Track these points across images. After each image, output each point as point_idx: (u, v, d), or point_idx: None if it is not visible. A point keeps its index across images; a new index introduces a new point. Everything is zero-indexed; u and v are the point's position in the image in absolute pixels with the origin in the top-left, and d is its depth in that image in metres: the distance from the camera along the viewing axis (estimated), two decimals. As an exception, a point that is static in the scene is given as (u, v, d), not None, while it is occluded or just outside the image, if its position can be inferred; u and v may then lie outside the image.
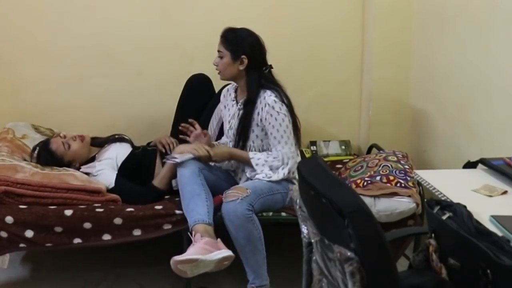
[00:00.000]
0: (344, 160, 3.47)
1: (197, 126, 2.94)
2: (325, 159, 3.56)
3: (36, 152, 3.07)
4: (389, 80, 3.57)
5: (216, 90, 3.28)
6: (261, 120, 2.75)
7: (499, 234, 1.54)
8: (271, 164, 2.74)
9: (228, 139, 2.96)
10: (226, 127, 2.99)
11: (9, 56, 3.52)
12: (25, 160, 3.04)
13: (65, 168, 2.98)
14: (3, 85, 3.54)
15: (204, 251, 2.42)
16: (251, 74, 2.78)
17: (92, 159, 3.10)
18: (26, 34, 3.50)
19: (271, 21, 3.60)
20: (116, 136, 3.25)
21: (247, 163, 2.80)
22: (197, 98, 3.22)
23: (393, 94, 3.60)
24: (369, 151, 3.53)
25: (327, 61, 3.71)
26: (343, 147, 3.71)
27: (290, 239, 2.22)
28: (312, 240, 1.59)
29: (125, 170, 3.01)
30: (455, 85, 3.01)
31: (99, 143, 3.24)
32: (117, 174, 2.96)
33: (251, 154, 2.78)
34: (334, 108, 3.79)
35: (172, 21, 3.55)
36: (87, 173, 2.97)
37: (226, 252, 2.46)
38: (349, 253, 1.29)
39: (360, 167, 2.98)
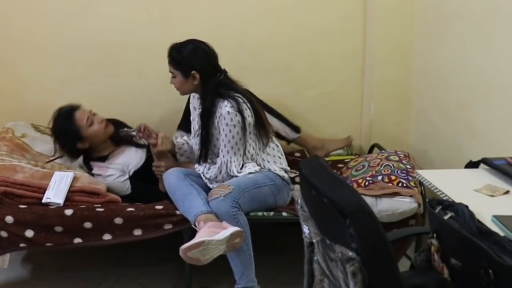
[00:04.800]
0: (346, 160, 3.46)
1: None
2: (327, 159, 3.54)
3: (56, 113, 3.02)
4: (390, 80, 3.56)
5: None
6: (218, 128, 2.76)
7: (501, 234, 1.54)
8: (210, 175, 2.79)
9: (195, 146, 2.96)
10: (193, 132, 2.99)
11: (9, 56, 3.51)
12: (24, 157, 3.03)
13: (66, 167, 2.97)
14: (3, 84, 3.54)
15: (209, 233, 2.40)
16: (206, 85, 2.76)
17: (104, 158, 3.07)
18: (26, 33, 3.49)
19: (272, 21, 3.59)
20: (134, 138, 3.19)
21: None
22: None
23: (394, 94, 3.59)
24: (370, 150, 3.52)
25: (329, 61, 3.70)
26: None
27: (291, 239, 2.22)
28: (314, 240, 1.59)
29: (138, 175, 3.02)
30: (457, 84, 3.01)
31: (116, 139, 3.16)
32: (131, 180, 2.98)
33: (195, 166, 2.86)
34: (335, 108, 3.78)
35: (173, 19, 3.55)
36: (98, 174, 2.98)
37: (233, 229, 2.44)
38: (350, 253, 1.29)
39: (361, 167, 2.98)
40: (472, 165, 2.23)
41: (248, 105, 2.76)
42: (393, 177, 2.77)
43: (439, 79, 3.23)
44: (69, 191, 2.74)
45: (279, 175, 2.82)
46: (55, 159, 3.11)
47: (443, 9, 3.14)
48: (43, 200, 2.69)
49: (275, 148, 2.92)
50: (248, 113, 2.74)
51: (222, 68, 2.81)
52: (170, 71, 2.80)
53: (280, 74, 3.66)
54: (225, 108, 2.70)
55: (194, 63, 2.73)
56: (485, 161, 2.18)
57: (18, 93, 3.56)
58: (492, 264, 1.36)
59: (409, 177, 2.78)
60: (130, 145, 3.14)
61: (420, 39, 3.44)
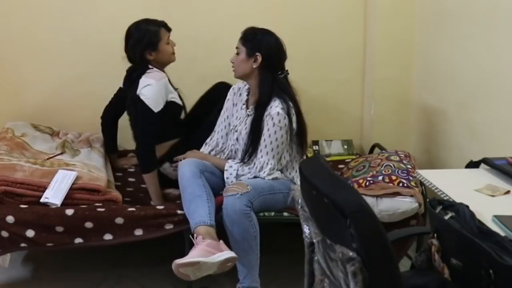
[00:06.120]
0: (347, 160, 3.46)
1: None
2: (327, 159, 3.55)
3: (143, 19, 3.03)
4: (391, 79, 3.56)
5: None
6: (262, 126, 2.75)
7: (502, 234, 1.54)
8: (242, 173, 2.77)
9: (230, 142, 2.94)
10: (229, 127, 2.97)
11: (10, 56, 3.51)
12: (24, 156, 3.02)
13: (65, 163, 2.96)
14: (3, 84, 3.54)
15: (206, 253, 2.41)
16: (264, 75, 2.77)
17: None
18: (26, 33, 3.49)
19: (272, 20, 3.55)
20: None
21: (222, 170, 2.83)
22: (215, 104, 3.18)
23: (395, 93, 3.59)
24: (371, 150, 3.52)
25: (329, 60, 3.70)
26: (346, 146, 3.70)
27: (292, 239, 2.22)
28: (314, 240, 1.59)
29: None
30: (458, 84, 3.01)
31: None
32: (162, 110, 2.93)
33: (227, 166, 2.80)
34: (336, 107, 3.78)
35: (173, 20, 3.52)
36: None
37: (228, 254, 2.45)
38: (351, 253, 1.28)
39: (362, 167, 2.98)
40: (472, 165, 2.24)
41: (295, 111, 2.75)
42: (393, 177, 2.77)
43: (440, 78, 3.23)
44: (69, 189, 2.73)
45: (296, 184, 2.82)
46: (55, 155, 3.11)
47: (443, 8, 3.14)
48: (41, 200, 2.68)
49: None
50: (294, 119, 2.74)
51: (286, 69, 2.82)
52: (236, 47, 2.81)
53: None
54: (275, 108, 2.70)
55: (263, 46, 2.76)
56: (485, 161, 2.19)
57: (18, 93, 3.56)
58: (492, 264, 1.36)
59: (409, 177, 2.78)
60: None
61: (420, 38, 3.44)
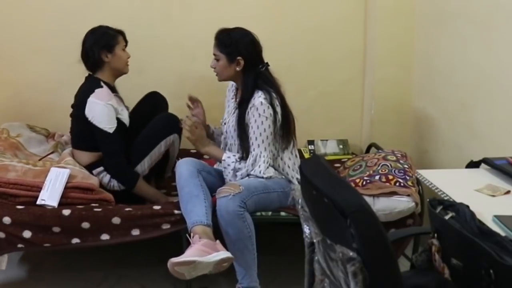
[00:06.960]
0: (342, 160, 3.47)
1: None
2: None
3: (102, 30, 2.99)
4: (391, 80, 3.56)
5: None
6: (248, 119, 2.75)
7: (502, 234, 1.54)
8: (239, 167, 2.75)
9: (223, 135, 2.97)
10: (222, 120, 3.01)
11: (10, 55, 3.51)
12: (16, 157, 3.02)
13: (57, 162, 2.95)
14: (3, 85, 3.54)
15: (202, 252, 2.41)
16: (247, 74, 2.77)
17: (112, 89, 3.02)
18: (26, 33, 3.49)
19: (272, 21, 3.59)
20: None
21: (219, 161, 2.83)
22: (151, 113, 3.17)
23: (395, 94, 3.59)
24: (367, 150, 3.52)
25: (329, 61, 3.70)
26: (341, 146, 3.70)
27: (292, 239, 2.22)
28: (314, 240, 1.59)
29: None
30: (458, 84, 3.00)
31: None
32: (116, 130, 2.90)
33: (224, 156, 2.79)
34: (336, 108, 3.78)
35: (173, 19, 3.54)
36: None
37: (224, 254, 2.45)
38: (351, 253, 1.28)
39: (359, 166, 2.98)
40: (473, 165, 2.24)
41: (279, 102, 2.75)
42: (390, 177, 2.77)
43: (439, 79, 3.23)
44: (64, 188, 2.72)
45: (291, 182, 2.81)
46: (46, 155, 3.11)
47: (443, 9, 3.14)
48: (38, 202, 2.67)
49: (296, 158, 2.90)
50: (278, 109, 2.73)
51: (265, 61, 2.82)
52: (214, 54, 2.80)
53: (281, 74, 3.63)
54: (258, 98, 2.70)
55: (242, 48, 2.75)
56: (486, 161, 2.19)
57: (18, 93, 3.56)
58: (493, 264, 1.36)
59: (406, 176, 2.78)
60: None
61: (420, 39, 3.44)
